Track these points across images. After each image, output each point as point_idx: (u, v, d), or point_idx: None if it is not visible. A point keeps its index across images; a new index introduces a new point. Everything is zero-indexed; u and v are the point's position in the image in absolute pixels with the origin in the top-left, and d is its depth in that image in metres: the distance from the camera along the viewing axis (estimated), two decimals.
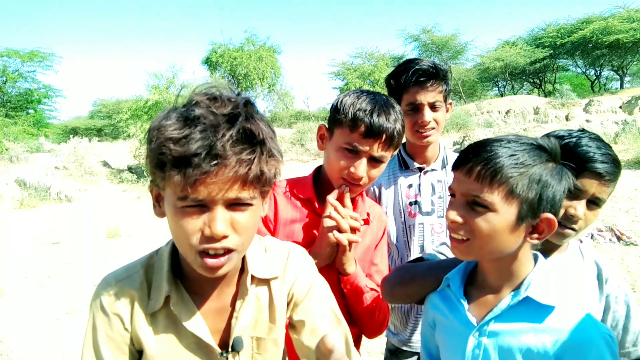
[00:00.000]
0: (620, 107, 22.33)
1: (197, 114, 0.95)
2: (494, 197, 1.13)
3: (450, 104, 2.18)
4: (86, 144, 19.06)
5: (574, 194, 1.37)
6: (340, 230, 1.52)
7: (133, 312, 1.10)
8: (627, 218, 7.65)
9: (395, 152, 1.73)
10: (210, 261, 1.00)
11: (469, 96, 38.50)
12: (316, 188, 1.71)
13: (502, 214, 1.14)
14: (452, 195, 1.24)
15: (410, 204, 2.12)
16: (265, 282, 1.19)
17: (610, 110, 21.93)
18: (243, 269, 1.17)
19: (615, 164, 1.39)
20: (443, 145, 2.22)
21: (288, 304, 1.23)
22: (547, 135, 1.48)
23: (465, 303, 1.27)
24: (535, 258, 1.25)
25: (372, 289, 1.68)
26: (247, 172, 0.96)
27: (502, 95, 38.96)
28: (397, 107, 1.63)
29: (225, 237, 0.99)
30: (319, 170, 1.77)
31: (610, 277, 1.49)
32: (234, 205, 1.00)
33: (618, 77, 38.08)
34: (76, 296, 6.17)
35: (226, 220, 0.98)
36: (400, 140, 1.63)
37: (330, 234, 1.52)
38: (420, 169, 2.15)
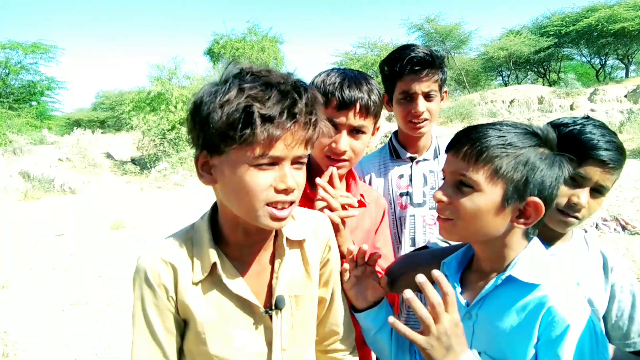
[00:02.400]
0: (626, 96, 22.15)
1: (265, 75, 1.09)
2: (479, 176, 1.14)
3: (446, 92, 2.12)
4: (89, 136, 19.06)
5: (578, 182, 1.37)
6: (331, 209, 1.52)
7: (177, 282, 1.18)
8: (632, 207, 7.62)
9: (379, 122, 1.72)
10: (279, 213, 1.12)
11: (472, 86, 38.26)
12: (307, 175, 1.71)
13: (487, 194, 1.14)
14: (444, 178, 1.25)
15: (401, 194, 2.07)
16: (298, 244, 1.31)
17: (616, 99, 21.78)
18: (276, 233, 1.28)
19: (619, 152, 1.38)
20: (435, 135, 2.17)
21: (322, 267, 1.39)
22: (551, 123, 1.47)
23: (457, 287, 1.29)
24: (530, 241, 1.23)
25: (377, 272, 1.67)
26: (313, 132, 1.11)
27: (506, 84, 38.73)
28: (372, 80, 1.65)
29: (293, 190, 1.12)
30: (308, 158, 1.77)
31: (615, 266, 1.49)
32: (295, 163, 1.13)
33: (623, 65, 37.82)
34: (81, 288, 6.20)
35: (293, 176, 1.11)
36: (378, 109, 1.65)
37: None
38: (412, 159, 2.09)
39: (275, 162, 1.09)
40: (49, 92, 35.83)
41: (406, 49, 1.99)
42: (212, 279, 1.19)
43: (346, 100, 1.56)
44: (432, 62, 1.94)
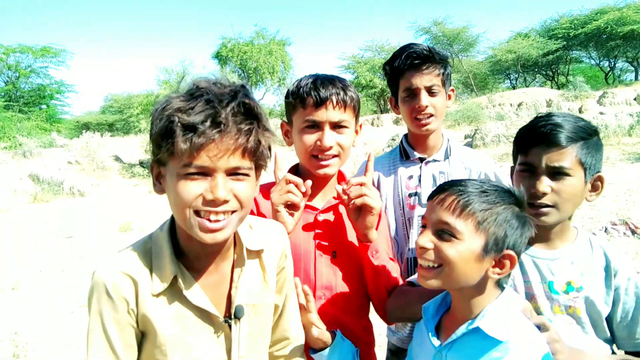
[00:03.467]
0: (635, 99, 21.98)
1: (202, 87, 1.09)
2: (463, 226, 1.22)
3: (453, 90, 2.11)
4: (98, 139, 19.17)
5: (531, 172, 1.45)
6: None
7: (138, 294, 1.16)
8: None
9: (360, 121, 1.77)
10: (210, 224, 1.10)
11: (480, 89, 38.13)
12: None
13: (467, 243, 1.22)
14: (424, 226, 1.31)
15: (410, 195, 2.06)
16: (256, 253, 1.32)
17: (625, 102, 21.61)
18: (235, 243, 1.29)
19: (561, 128, 1.41)
20: (447, 137, 2.16)
21: (277, 275, 1.39)
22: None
23: (429, 331, 1.36)
24: (503, 290, 1.31)
25: (392, 259, 1.74)
26: (246, 141, 1.08)
27: (514, 87, 38.53)
28: (346, 80, 1.70)
29: (225, 201, 1.09)
30: (297, 167, 1.80)
31: (620, 269, 1.49)
32: (234, 174, 1.11)
33: (633, 68, 37.47)
34: None
35: (227, 187, 1.09)
36: (356, 104, 1.68)
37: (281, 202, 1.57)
38: (421, 160, 2.09)
39: (206, 172, 1.08)
40: (59, 96, 36.29)
41: (406, 46, 2.02)
42: (172, 291, 1.18)
43: (322, 96, 1.59)
44: (432, 57, 1.96)
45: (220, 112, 1.05)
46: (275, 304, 1.40)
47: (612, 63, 38.01)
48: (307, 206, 1.67)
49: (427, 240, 1.25)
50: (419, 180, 2.06)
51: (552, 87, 34.57)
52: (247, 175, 1.13)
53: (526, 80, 41.69)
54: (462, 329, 1.26)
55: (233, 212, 1.13)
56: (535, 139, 1.45)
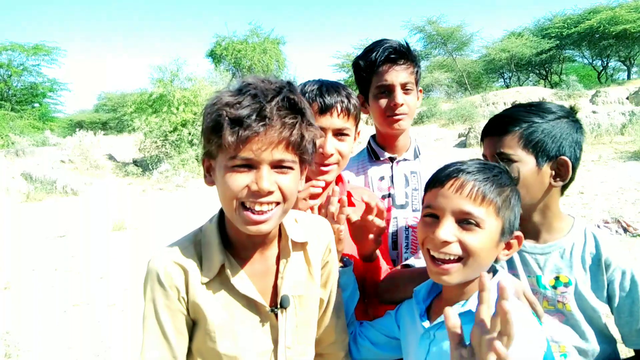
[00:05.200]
0: (627, 98, 22.09)
1: (250, 83, 1.15)
2: (485, 215, 1.19)
3: (421, 91, 2.05)
4: (91, 138, 19.06)
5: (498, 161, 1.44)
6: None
7: (188, 283, 1.22)
8: (633, 210, 7.60)
9: (359, 127, 1.77)
10: (254, 216, 1.14)
11: (474, 88, 38.18)
12: None
13: (489, 231, 1.19)
14: (433, 215, 1.25)
15: (383, 197, 1.99)
16: (301, 246, 1.35)
17: (617, 101, 21.71)
18: (281, 235, 1.33)
19: (505, 116, 1.49)
20: (414, 137, 2.11)
21: (322, 269, 1.42)
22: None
23: (420, 315, 1.36)
24: (494, 272, 1.32)
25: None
26: (290, 134, 1.12)
27: (507, 86, 38.62)
28: (348, 87, 1.70)
29: (270, 193, 1.13)
30: None
31: (613, 262, 1.43)
32: (278, 167, 1.15)
33: (625, 67, 37.69)
34: (83, 289, 6.21)
35: (271, 179, 1.13)
36: (358, 112, 1.70)
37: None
38: (391, 159, 2.03)
39: (252, 164, 1.13)
40: (51, 94, 35.89)
41: (381, 40, 1.97)
42: (220, 280, 1.24)
43: (327, 104, 1.60)
44: (408, 53, 1.92)
45: (266, 106, 1.10)
46: (321, 299, 1.43)
47: (605, 62, 38.20)
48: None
49: (450, 233, 1.19)
50: (392, 181, 2.01)
51: (545, 86, 34.72)
52: (291, 168, 1.17)
53: (520, 79, 41.83)
54: (456, 310, 1.21)
55: (277, 204, 1.17)
56: (485, 130, 1.53)
